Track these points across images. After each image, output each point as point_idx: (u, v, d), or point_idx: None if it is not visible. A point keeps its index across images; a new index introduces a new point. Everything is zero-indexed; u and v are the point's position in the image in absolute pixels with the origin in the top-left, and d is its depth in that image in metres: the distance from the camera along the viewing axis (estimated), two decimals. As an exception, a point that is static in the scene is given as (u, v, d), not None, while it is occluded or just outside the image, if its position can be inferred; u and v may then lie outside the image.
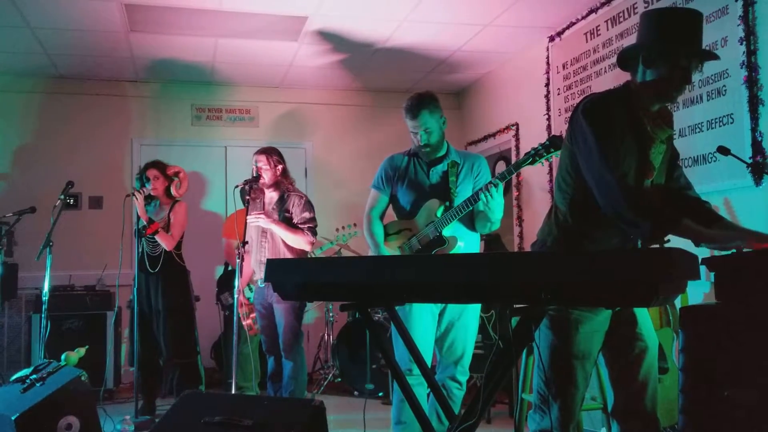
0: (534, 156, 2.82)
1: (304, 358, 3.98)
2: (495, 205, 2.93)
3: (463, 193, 3.10)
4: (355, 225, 5.17)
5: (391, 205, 3.31)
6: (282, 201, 3.99)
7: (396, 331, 2.95)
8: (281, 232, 3.90)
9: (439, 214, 3.07)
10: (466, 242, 3.09)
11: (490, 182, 2.91)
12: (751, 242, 1.88)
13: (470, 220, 3.12)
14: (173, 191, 4.55)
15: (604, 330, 2.13)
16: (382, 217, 3.30)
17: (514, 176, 5.09)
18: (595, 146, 2.02)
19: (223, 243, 5.54)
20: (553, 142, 2.79)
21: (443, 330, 3.10)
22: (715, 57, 2.10)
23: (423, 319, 3.01)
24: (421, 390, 2.95)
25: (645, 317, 2.19)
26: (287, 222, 3.94)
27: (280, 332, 3.92)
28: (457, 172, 3.13)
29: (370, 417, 4.55)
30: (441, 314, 3.09)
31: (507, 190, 5.51)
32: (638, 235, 2.03)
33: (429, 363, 2.93)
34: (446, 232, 3.05)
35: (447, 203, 3.08)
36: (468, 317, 3.11)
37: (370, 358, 5.03)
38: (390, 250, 3.21)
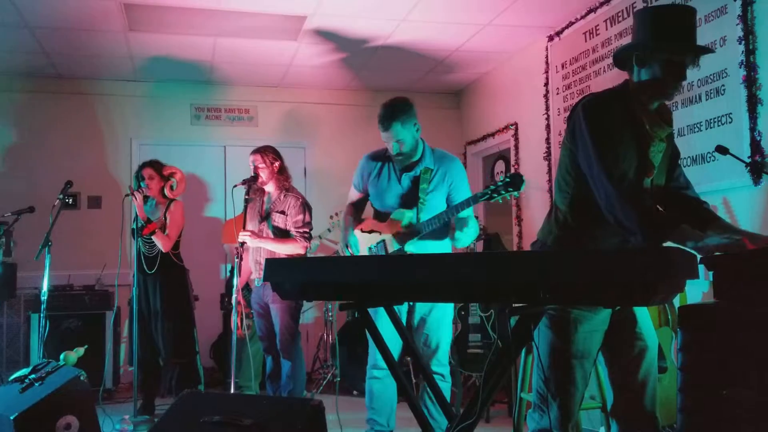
0: (492, 193, 2.82)
1: (302, 357, 3.99)
2: (464, 237, 3.04)
3: (432, 201, 3.13)
4: None
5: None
6: (278, 201, 4.00)
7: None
8: (272, 247, 3.91)
9: (405, 222, 3.10)
10: None
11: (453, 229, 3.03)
12: (745, 242, 1.88)
13: (442, 230, 3.13)
14: (167, 192, 4.54)
15: (604, 329, 2.13)
16: (361, 211, 3.44)
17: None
18: (593, 149, 2.02)
19: (225, 249, 5.54)
20: (513, 181, 2.76)
21: (416, 326, 3.17)
22: (710, 51, 2.10)
23: (386, 319, 3.03)
24: (389, 382, 3.19)
25: (645, 316, 2.19)
26: (277, 232, 3.94)
27: (277, 332, 3.92)
28: (429, 179, 3.15)
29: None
30: (410, 312, 3.16)
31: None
32: (635, 242, 2.03)
33: (396, 357, 3.04)
34: (408, 248, 3.11)
35: (414, 211, 3.10)
36: (438, 311, 3.16)
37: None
38: (360, 241, 3.29)
